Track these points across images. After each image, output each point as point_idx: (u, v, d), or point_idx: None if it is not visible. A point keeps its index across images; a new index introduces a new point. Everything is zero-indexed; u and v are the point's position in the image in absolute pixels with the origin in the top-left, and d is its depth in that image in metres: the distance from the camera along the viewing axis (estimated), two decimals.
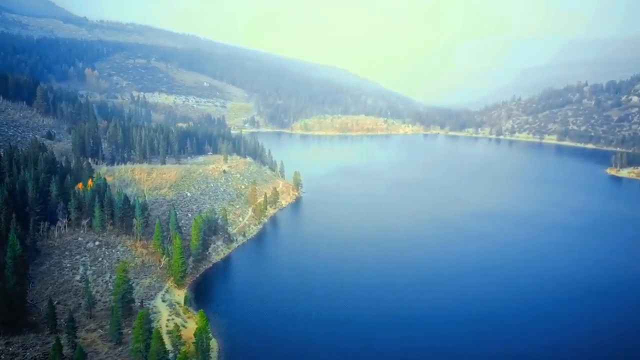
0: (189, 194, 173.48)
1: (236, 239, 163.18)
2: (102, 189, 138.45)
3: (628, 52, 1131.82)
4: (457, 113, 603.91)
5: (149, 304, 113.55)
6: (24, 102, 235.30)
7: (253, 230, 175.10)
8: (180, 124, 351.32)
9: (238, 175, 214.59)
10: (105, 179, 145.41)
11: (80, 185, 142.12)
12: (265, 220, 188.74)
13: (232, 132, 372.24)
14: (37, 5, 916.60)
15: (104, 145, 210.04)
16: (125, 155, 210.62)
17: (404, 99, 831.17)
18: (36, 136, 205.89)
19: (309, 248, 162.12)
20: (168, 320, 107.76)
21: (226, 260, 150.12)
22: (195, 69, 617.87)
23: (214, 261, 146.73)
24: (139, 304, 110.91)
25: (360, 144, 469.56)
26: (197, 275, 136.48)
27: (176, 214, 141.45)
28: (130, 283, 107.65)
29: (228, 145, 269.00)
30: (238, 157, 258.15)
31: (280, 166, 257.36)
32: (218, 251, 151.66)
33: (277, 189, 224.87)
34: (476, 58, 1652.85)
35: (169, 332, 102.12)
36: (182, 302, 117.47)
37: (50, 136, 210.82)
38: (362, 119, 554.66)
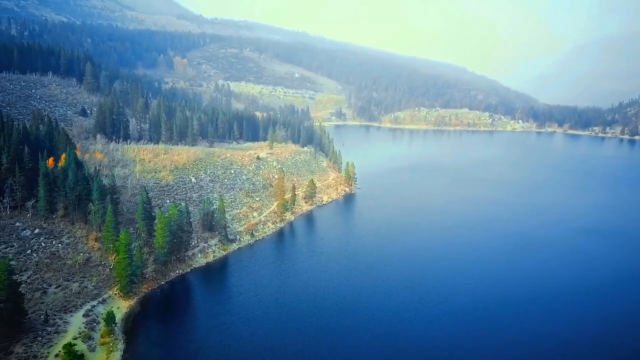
0: (193, 180, 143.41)
1: (239, 239, 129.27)
2: (69, 166, 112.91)
3: None
4: (581, 111, 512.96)
5: (61, 318, 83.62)
6: (74, 79, 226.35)
7: (268, 229, 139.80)
8: (257, 113, 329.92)
9: (275, 164, 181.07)
10: (76, 153, 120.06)
11: (50, 160, 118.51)
12: (292, 218, 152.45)
13: (305, 123, 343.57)
14: (158, 4, 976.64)
15: (133, 123, 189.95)
16: (155, 135, 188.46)
17: (524, 97, 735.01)
18: (67, 111, 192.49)
19: (330, 261, 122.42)
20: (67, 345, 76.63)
21: (215, 265, 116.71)
22: (290, 60, 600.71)
23: (197, 265, 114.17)
24: (43, 317, 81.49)
25: (457, 139, 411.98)
26: (163, 282, 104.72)
27: (148, 200, 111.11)
28: (17, 288, 78.31)
29: (286, 132, 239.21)
30: (293, 145, 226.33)
31: (336, 156, 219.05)
32: (207, 252, 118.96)
33: (324, 182, 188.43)
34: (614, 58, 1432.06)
35: None
36: (112, 319, 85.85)
37: (84, 112, 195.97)
38: (463, 113, 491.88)
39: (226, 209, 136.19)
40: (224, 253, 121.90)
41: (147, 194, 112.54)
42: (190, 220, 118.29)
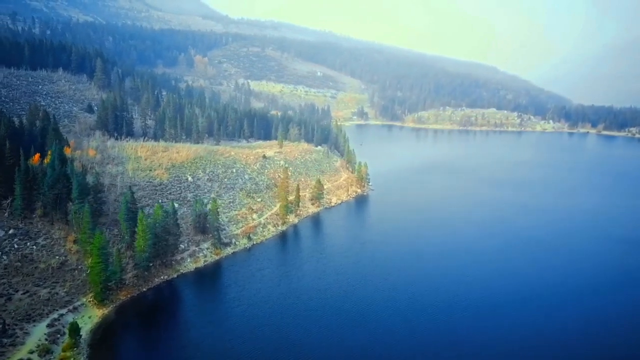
0: (190, 179, 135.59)
1: (234, 242, 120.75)
2: (53, 163, 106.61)
3: None
4: (617, 111, 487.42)
5: (22, 328, 76.48)
6: (85, 76, 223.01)
7: (268, 233, 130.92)
8: (274, 112, 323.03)
9: (281, 162, 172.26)
10: (62, 150, 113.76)
11: (36, 156, 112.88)
12: (295, 220, 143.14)
13: (323, 121, 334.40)
14: (185, 5, 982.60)
15: (139, 121, 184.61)
16: (160, 133, 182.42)
17: (556, 97, 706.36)
18: (73, 108, 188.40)
19: (329, 267, 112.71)
20: None
21: (205, 270, 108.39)
22: (314, 59, 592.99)
23: (185, 270, 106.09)
24: (1, 327, 74.44)
25: (483, 139, 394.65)
26: (144, 289, 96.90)
27: (133, 200, 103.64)
28: None
29: (300, 131, 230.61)
30: (306, 144, 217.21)
31: (350, 156, 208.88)
32: (197, 256, 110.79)
33: (334, 183, 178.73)
34: None
35: None
36: (77, 330, 78.17)
37: (90, 109, 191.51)
38: (490, 113, 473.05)
39: (224, 211, 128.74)
40: (217, 258, 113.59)
41: (132, 193, 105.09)
42: (180, 221, 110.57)
